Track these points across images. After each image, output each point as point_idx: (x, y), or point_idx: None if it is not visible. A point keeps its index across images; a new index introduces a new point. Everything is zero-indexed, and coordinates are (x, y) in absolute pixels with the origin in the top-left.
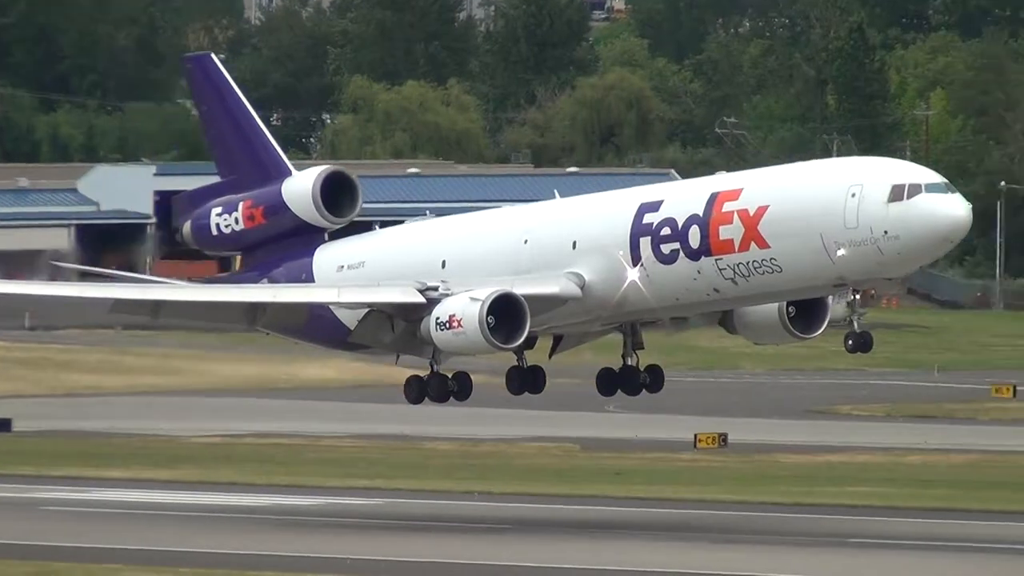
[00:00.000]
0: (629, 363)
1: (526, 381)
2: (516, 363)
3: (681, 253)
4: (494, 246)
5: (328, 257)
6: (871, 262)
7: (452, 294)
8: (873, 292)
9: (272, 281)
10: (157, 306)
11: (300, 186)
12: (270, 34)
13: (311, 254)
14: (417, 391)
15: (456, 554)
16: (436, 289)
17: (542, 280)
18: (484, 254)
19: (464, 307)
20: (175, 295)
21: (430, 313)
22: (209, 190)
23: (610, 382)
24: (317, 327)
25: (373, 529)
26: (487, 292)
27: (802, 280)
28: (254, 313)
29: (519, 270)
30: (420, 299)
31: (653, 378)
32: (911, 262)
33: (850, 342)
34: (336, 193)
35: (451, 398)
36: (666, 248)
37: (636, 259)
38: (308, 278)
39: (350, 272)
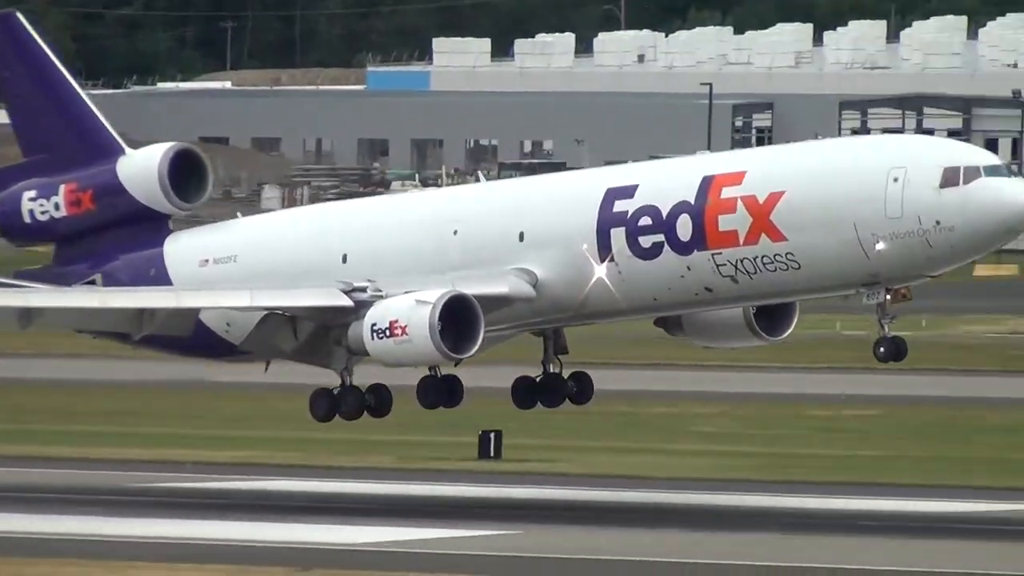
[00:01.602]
0: (552, 370)
1: (441, 393)
2: (430, 372)
3: (666, 246)
4: (412, 237)
5: (185, 249)
6: (917, 257)
7: (384, 295)
8: (905, 291)
9: (108, 276)
10: (29, 313)
11: (142, 165)
12: None
13: (159, 245)
14: (327, 407)
15: None
16: (364, 290)
17: (486, 278)
18: (399, 247)
19: (410, 311)
20: (54, 301)
21: (359, 319)
22: (15, 171)
23: (530, 392)
24: (200, 337)
25: None
26: (436, 294)
27: (825, 278)
28: (140, 321)
29: (446, 267)
30: (348, 302)
31: (580, 386)
32: (963, 256)
33: (882, 349)
34: (183, 174)
35: (365, 414)
36: (646, 241)
37: (605, 253)
38: (160, 274)
39: (218, 268)
